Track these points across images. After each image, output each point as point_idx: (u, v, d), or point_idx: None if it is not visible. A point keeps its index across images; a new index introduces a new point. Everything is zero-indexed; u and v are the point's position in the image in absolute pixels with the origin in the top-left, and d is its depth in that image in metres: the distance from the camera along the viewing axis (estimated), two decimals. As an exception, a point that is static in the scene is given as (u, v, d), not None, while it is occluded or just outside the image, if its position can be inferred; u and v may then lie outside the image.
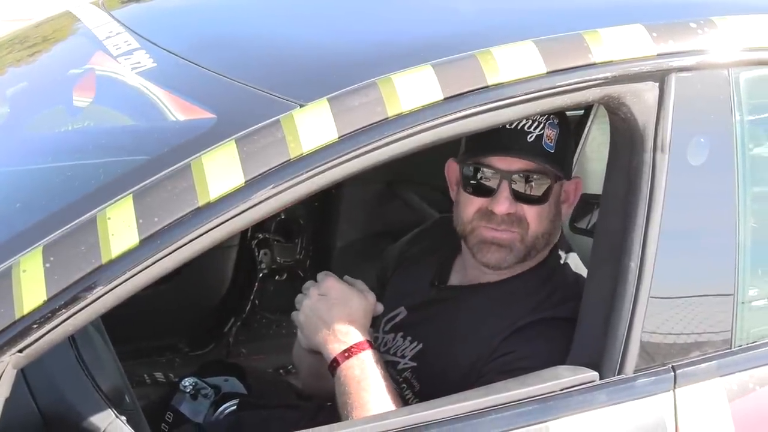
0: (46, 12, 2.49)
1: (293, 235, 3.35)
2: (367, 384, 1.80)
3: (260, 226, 3.29)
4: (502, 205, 1.89)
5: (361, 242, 3.33)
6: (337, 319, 1.85)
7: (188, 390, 2.40)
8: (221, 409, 2.35)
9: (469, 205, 1.94)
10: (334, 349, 1.84)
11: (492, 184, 1.90)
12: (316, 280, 1.95)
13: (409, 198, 3.28)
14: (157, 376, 3.12)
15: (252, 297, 3.33)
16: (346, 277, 1.96)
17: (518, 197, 1.90)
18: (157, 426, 2.34)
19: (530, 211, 1.91)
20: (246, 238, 3.28)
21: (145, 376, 3.10)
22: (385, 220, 3.30)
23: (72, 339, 1.88)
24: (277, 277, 3.35)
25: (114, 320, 2.66)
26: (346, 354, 1.83)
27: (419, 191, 3.20)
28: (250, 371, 2.54)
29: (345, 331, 1.85)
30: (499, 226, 1.91)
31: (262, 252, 3.31)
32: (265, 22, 2.01)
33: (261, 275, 3.32)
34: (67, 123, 1.88)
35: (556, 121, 1.90)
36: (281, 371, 3.14)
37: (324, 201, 3.32)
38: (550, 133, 1.89)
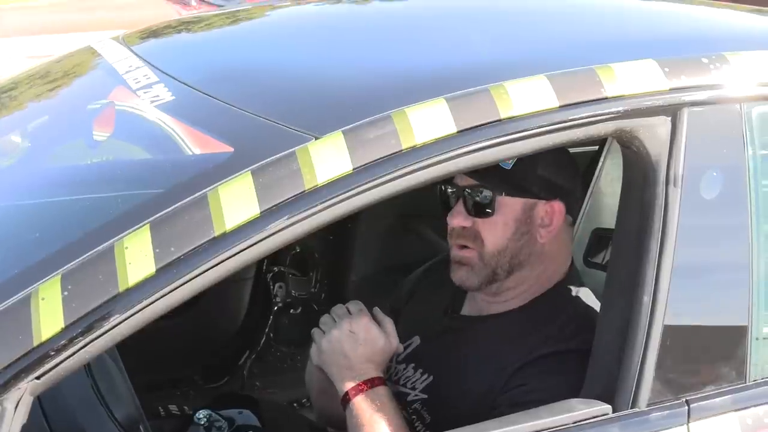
0: (64, 48, 2.52)
1: (308, 268, 3.36)
2: (378, 417, 1.83)
3: (275, 259, 3.30)
4: (455, 218, 1.96)
5: (376, 276, 3.33)
6: (359, 359, 1.89)
7: (202, 422, 2.40)
8: (234, 441, 2.35)
9: (447, 225, 2.01)
10: (348, 383, 1.87)
11: (451, 200, 1.98)
12: (346, 306, 1.97)
13: (423, 232, 3.29)
14: (172, 408, 3.12)
15: (267, 330, 3.34)
16: (377, 309, 1.98)
17: (470, 211, 1.95)
18: (171, 458, 2.35)
19: (483, 225, 1.94)
20: (261, 271, 3.29)
21: (160, 408, 3.10)
22: (400, 254, 3.30)
23: (88, 368, 1.90)
24: (291, 311, 3.36)
25: (129, 352, 2.68)
26: (360, 388, 1.86)
27: (434, 225, 3.20)
28: (264, 404, 2.55)
29: (362, 369, 1.89)
30: (457, 241, 1.97)
31: (277, 285, 3.32)
32: (281, 55, 2.04)
33: (276, 308, 3.33)
34: (86, 156, 1.91)
35: None
36: (295, 404, 3.14)
37: (339, 235, 3.33)
38: None
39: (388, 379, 2.09)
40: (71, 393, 1.80)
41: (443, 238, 3.10)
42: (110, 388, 1.87)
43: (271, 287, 3.32)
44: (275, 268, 3.31)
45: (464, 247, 1.97)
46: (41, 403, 1.73)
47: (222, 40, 2.26)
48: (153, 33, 2.41)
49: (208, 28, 2.43)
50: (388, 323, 1.95)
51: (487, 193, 1.93)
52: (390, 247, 3.36)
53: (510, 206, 1.94)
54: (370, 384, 1.87)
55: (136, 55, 2.12)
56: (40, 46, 5.14)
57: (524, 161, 1.90)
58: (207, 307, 3.13)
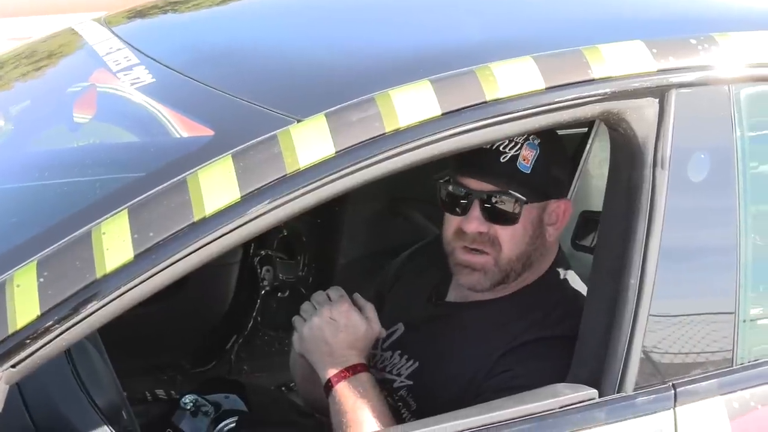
0: (47, 30, 2.49)
1: (296, 252, 3.34)
2: (361, 404, 1.81)
3: (262, 242, 3.28)
4: (472, 223, 1.88)
5: (364, 259, 3.31)
6: (340, 345, 1.88)
7: (188, 407, 2.39)
8: (220, 426, 2.34)
9: (448, 225, 1.95)
10: (331, 370, 1.86)
11: (465, 203, 1.90)
12: (326, 292, 1.95)
13: (411, 215, 3.27)
14: (159, 393, 3.11)
15: (254, 314, 3.32)
16: (357, 295, 1.96)
17: (489, 217, 1.88)
18: (157, 443, 2.34)
19: (502, 232, 1.89)
20: (248, 255, 3.27)
21: (147, 393, 3.09)
22: (388, 238, 3.28)
23: (69, 354, 1.87)
24: (279, 294, 3.33)
25: (115, 337, 2.66)
26: (342, 375, 1.85)
27: (422, 208, 3.18)
28: (251, 388, 2.53)
29: (344, 356, 1.87)
30: (471, 245, 1.90)
31: (264, 269, 3.29)
32: (264, 36, 2.01)
33: (263, 292, 3.30)
34: (66, 139, 1.88)
35: (536, 141, 1.88)
36: (283, 388, 3.12)
37: (327, 218, 3.31)
38: (527, 154, 1.87)
39: (373, 366, 2.07)
40: (51, 380, 1.78)
41: (432, 221, 3.10)
42: (91, 374, 1.84)
43: (259, 271, 3.29)
44: (262, 252, 3.29)
45: (476, 251, 1.91)
46: (21, 391, 1.71)
47: (206, 21, 2.23)
48: (136, 14, 2.37)
49: (193, 9, 2.40)
50: (369, 309, 1.93)
51: (510, 200, 1.87)
52: (378, 230, 3.34)
53: (530, 211, 1.90)
54: (352, 371, 1.85)
55: (118, 36, 2.09)
56: (23, 28, 5.09)
57: (541, 162, 1.87)
58: (194, 292, 3.11)
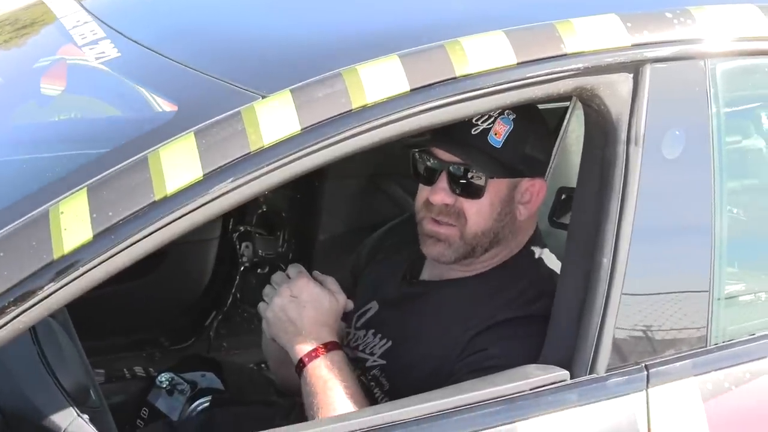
0: (16, 3, 2.45)
1: (275, 227, 3.31)
2: (333, 384, 1.79)
3: (242, 218, 3.26)
4: (438, 195, 1.87)
5: (344, 236, 3.29)
6: (307, 322, 1.84)
7: (164, 385, 2.38)
8: (194, 405, 2.32)
9: (419, 195, 1.93)
10: (301, 350, 1.83)
11: (433, 173, 1.89)
12: (285, 272, 1.91)
13: (392, 191, 3.24)
14: (137, 370, 3.09)
15: (233, 290, 3.29)
16: (316, 273, 1.93)
17: (455, 190, 1.87)
18: (132, 421, 2.32)
19: (468, 206, 1.87)
20: (227, 230, 3.24)
21: (125, 370, 3.07)
22: (369, 214, 3.26)
23: (35, 335, 1.85)
24: (259, 270, 3.30)
25: (93, 314, 2.64)
26: (313, 354, 1.82)
27: (403, 184, 3.16)
28: (228, 366, 2.52)
29: (313, 333, 1.84)
30: (437, 217, 1.89)
31: (243, 245, 3.27)
32: (231, 12, 1.97)
33: (242, 268, 3.28)
34: (29, 115, 1.85)
35: (511, 117, 1.85)
36: (262, 365, 3.10)
37: (306, 194, 3.28)
38: (500, 129, 1.84)
39: (347, 345, 2.05)
40: (16, 362, 1.76)
41: (412, 197, 3.08)
42: (57, 355, 1.81)
43: (238, 247, 3.27)
44: (241, 228, 3.26)
45: (442, 222, 1.90)
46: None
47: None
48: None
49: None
50: (330, 282, 1.91)
51: (476, 173, 1.85)
52: (358, 206, 3.32)
53: (497, 187, 1.88)
54: (324, 348, 1.82)
55: (85, 9, 2.05)
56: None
57: (514, 138, 1.84)
58: (173, 268, 3.09)
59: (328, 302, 1.86)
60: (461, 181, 1.86)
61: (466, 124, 1.84)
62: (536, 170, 1.94)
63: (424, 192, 1.92)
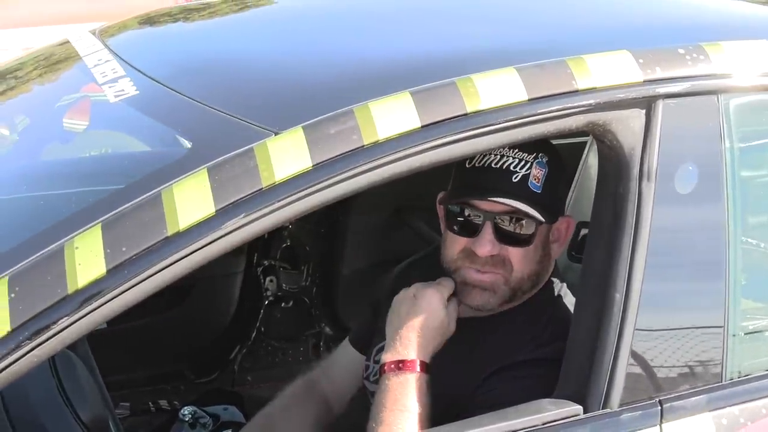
0: (49, 41, 2.50)
1: (299, 262, 3.33)
2: (402, 405, 1.76)
3: (266, 252, 3.28)
4: (485, 247, 1.84)
5: (368, 270, 3.29)
6: (410, 326, 1.82)
7: (187, 419, 2.40)
8: (217, 438, 2.34)
9: (454, 244, 1.90)
10: (389, 355, 1.81)
11: (475, 224, 1.86)
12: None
13: (416, 225, 3.24)
14: (162, 403, 3.11)
15: (258, 324, 3.31)
16: (453, 299, 1.90)
17: (502, 239, 1.84)
18: (155, 455, 2.34)
19: (514, 253, 1.85)
20: (252, 264, 3.27)
21: (150, 403, 3.09)
22: (393, 248, 3.25)
23: (54, 369, 1.88)
24: (283, 305, 3.32)
25: (119, 347, 2.66)
26: (398, 365, 1.79)
27: (427, 218, 3.16)
28: (251, 400, 2.53)
29: (408, 342, 1.81)
30: (482, 268, 1.86)
31: (267, 279, 3.29)
32: (246, 49, 2.00)
33: (267, 302, 3.30)
34: (49, 153, 1.88)
35: (544, 159, 1.84)
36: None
37: (330, 228, 3.30)
38: (537, 173, 1.83)
39: (366, 377, 2.05)
40: (36, 395, 1.78)
41: (437, 231, 3.08)
42: (77, 388, 1.84)
43: (262, 281, 3.29)
44: (266, 262, 3.28)
45: (486, 271, 1.87)
46: (5, 407, 1.71)
47: (195, 32, 2.22)
48: (128, 26, 2.38)
49: (183, 21, 2.40)
50: (453, 308, 1.88)
51: (526, 221, 1.84)
52: (382, 240, 3.32)
53: (542, 231, 1.88)
54: (409, 366, 1.78)
55: (108, 48, 2.09)
56: (37, 38, 5.13)
57: (549, 181, 1.84)
58: (197, 302, 3.11)
59: (439, 322, 1.84)
60: (509, 230, 1.84)
61: (503, 172, 1.82)
62: (564, 208, 1.96)
63: (460, 242, 1.88)
